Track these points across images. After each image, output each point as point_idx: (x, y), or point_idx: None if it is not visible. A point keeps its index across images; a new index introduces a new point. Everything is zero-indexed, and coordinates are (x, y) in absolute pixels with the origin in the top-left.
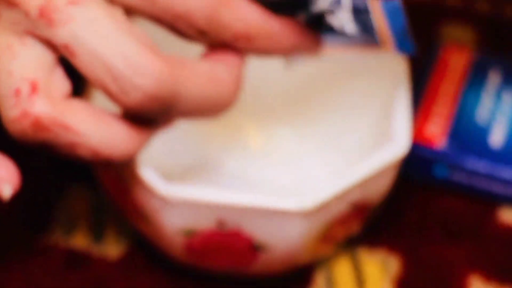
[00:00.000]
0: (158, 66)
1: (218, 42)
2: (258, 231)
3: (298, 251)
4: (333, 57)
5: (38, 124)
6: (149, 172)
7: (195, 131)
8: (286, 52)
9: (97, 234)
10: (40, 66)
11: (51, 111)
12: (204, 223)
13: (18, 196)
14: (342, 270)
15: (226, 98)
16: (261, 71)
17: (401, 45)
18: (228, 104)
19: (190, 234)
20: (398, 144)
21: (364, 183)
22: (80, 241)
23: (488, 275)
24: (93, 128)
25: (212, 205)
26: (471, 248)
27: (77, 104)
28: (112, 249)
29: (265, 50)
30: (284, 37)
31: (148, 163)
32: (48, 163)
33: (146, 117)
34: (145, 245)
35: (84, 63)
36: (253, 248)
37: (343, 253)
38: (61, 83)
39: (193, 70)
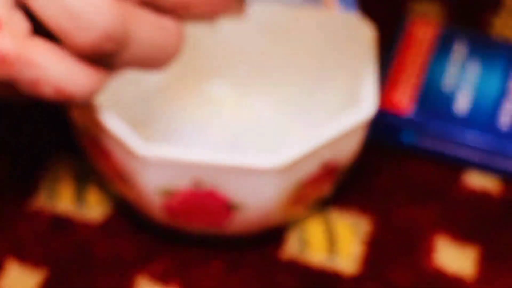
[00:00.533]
0: (113, 6)
1: (158, 10)
2: (232, 190)
3: (272, 210)
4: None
5: (2, 60)
6: (127, 132)
7: (171, 98)
8: (216, 16)
9: (80, 198)
10: (2, 4)
11: (15, 46)
12: (181, 182)
13: (3, 163)
14: (314, 230)
15: (172, 48)
16: (237, 40)
17: (344, 3)
18: (173, 55)
19: (168, 194)
20: (365, 106)
21: (333, 143)
22: (64, 206)
23: (454, 236)
24: (55, 64)
25: (188, 164)
26: (437, 211)
27: (38, 41)
28: (95, 213)
29: (200, 17)
30: (216, 3)
31: (126, 126)
32: (33, 130)
33: (97, 58)
34: (127, 209)
35: (41, 3)
36: (228, 207)
37: (316, 214)
38: (22, 21)
39: (142, 16)
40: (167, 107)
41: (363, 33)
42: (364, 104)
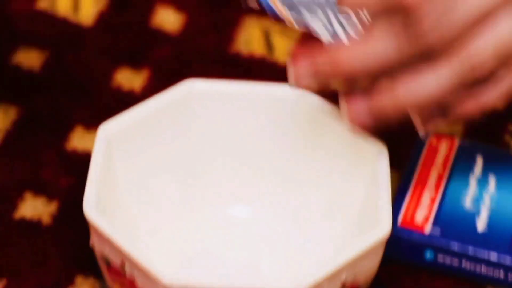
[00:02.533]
0: None
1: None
2: None
3: None
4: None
5: None
6: (150, 260)
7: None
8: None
9: None
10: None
11: None
12: None
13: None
14: None
15: None
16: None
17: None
18: None
19: None
20: (382, 226)
21: (352, 264)
22: None
23: None
24: None
25: None
26: None
27: None
28: None
29: None
30: None
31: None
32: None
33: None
34: None
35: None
36: None
37: None
38: None
39: None
40: (183, 232)
41: (375, 150)
42: (381, 223)
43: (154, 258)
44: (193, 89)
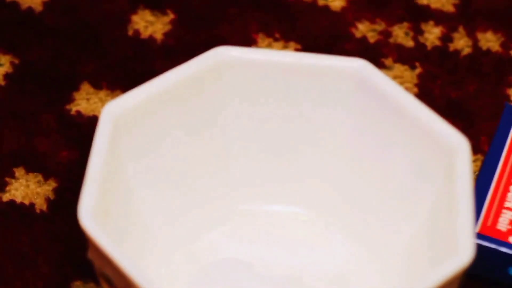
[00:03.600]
0: None
1: None
2: None
3: None
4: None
5: None
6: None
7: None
8: None
9: None
10: None
11: None
12: None
13: None
14: None
15: None
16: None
17: None
18: None
19: None
20: (462, 252)
21: None
22: None
23: None
24: None
25: None
26: None
27: None
28: None
29: None
30: None
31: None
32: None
33: None
34: None
35: None
36: None
37: None
38: None
39: None
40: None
41: (450, 144)
42: (461, 249)
43: (166, 270)
44: (225, 59)
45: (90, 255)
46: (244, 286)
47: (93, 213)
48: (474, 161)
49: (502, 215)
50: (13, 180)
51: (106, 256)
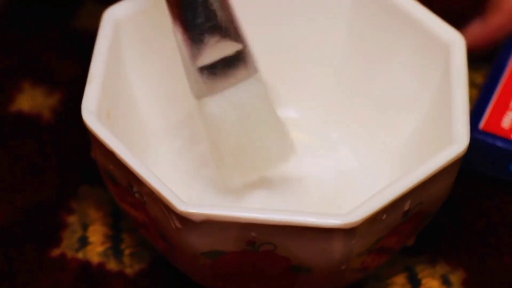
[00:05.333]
0: None
1: None
2: (296, 251)
3: (344, 270)
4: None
5: None
6: (168, 190)
7: None
8: None
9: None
10: None
11: None
12: (232, 243)
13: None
14: (397, 283)
15: None
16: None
17: None
18: None
19: (216, 256)
20: (457, 143)
21: (418, 189)
22: (94, 253)
23: None
24: None
25: (239, 225)
26: None
27: None
28: (129, 264)
29: None
30: None
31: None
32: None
33: None
34: (167, 264)
35: None
36: (290, 269)
37: (398, 265)
38: None
39: None
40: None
41: (446, 41)
42: (456, 137)
43: (170, 174)
44: None
45: (94, 154)
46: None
47: (95, 110)
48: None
49: (508, 113)
50: (19, 93)
51: (108, 150)
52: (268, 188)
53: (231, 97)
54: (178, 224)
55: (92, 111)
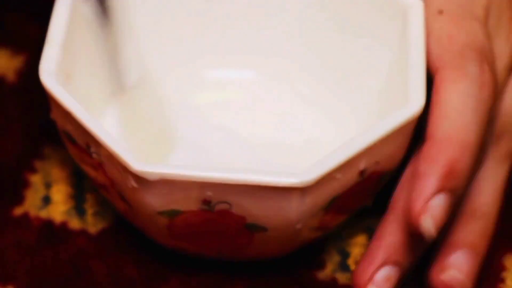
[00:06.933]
0: None
1: None
2: (251, 210)
3: (300, 228)
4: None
5: None
6: (122, 145)
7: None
8: None
9: (78, 204)
10: None
11: None
12: (188, 203)
13: None
14: (358, 243)
15: None
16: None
17: None
18: None
19: (173, 216)
20: (413, 100)
21: (373, 149)
22: (57, 212)
23: None
24: None
25: (195, 183)
26: None
27: None
28: (92, 223)
29: None
30: None
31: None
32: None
33: None
34: (128, 224)
35: None
36: (246, 228)
37: (359, 226)
38: None
39: None
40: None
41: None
42: (411, 98)
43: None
44: None
45: (53, 115)
46: (222, 150)
47: (53, 72)
48: None
49: None
50: None
51: (65, 111)
52: (237, 148)
53: None
54: (134, 184)
55: (51, 73)
